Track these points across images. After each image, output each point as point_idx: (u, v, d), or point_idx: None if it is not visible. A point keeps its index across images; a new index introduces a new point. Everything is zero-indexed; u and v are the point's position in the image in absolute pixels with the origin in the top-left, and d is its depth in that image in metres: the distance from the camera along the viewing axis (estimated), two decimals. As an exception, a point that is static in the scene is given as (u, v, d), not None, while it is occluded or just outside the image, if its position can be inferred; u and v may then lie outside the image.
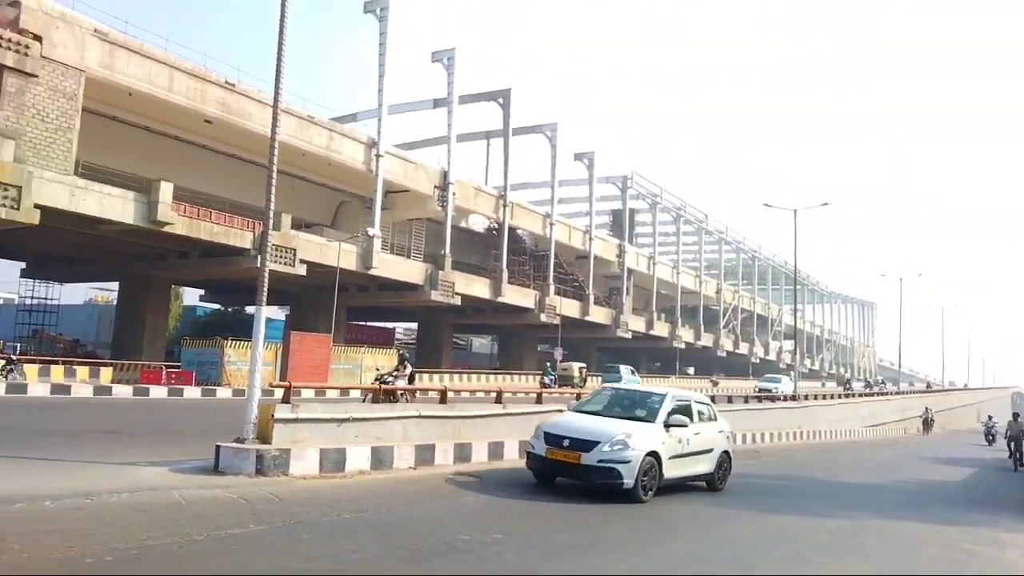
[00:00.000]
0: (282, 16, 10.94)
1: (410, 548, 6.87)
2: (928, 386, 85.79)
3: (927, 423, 44.36)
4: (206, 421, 15.26)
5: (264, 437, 9.93)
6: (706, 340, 73.78)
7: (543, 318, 51.03)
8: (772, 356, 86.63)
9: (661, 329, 67.00)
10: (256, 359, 10.43)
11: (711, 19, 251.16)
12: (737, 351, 79.37)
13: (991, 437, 37.16)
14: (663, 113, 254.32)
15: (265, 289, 10.58)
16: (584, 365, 47.77)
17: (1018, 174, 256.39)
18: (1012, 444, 24.21)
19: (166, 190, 30.20)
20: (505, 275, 47.52)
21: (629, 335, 61.33)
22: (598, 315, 58.20)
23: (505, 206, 47.53)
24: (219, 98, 31.83)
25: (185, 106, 30.92)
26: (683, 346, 69.18)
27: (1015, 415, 24.57)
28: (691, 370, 76.51)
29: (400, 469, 11.06)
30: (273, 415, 9.88)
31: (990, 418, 40.53)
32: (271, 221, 11.00)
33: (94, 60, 28.04)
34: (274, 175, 11.02)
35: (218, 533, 6.66)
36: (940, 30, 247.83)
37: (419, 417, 11.79)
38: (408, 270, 41.86)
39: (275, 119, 11.16)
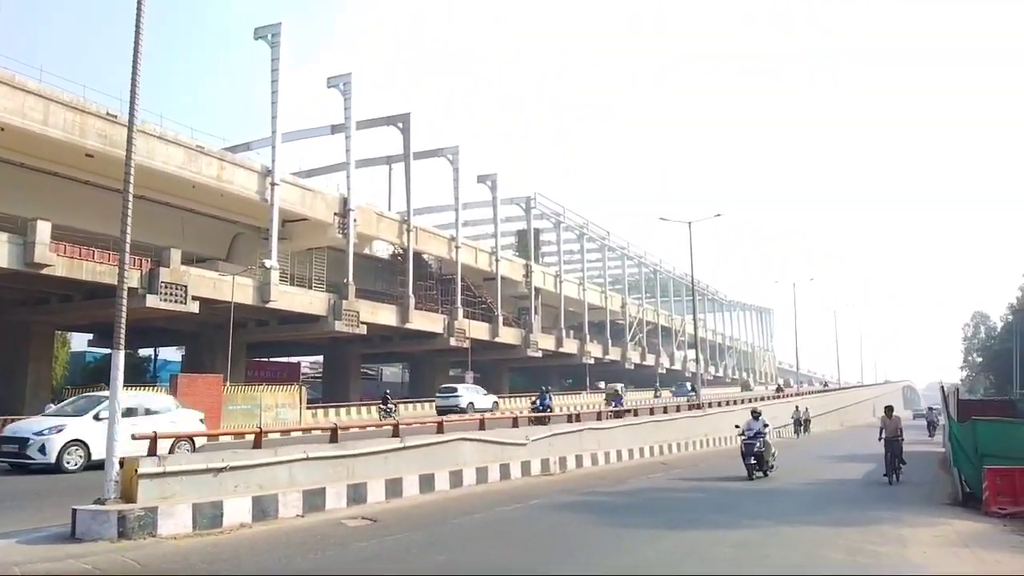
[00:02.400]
0: (137, 33, 10.15)
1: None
2: (825, 385, 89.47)
3: (800, 424, 38.16)
4: (79, 479, 13.99)
5: (129, 496, 9.03)
6: (614, 354, 74.82)
7: (453, 342, 50.45)
8: (678, 366, 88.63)
9: (570, 346, 67.46)
10: (115, 409, 9.48)
11: (604, 36, 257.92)
12: (644, 363, 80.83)
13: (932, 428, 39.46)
14: (563, 130, 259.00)
15: (123, 330, 9.67)
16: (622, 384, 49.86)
17: (901, 180, 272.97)
18: (889, 451, 17.66)
19: (44, 230, 28.43)
20: (412, 301, 46.76)
21: (539, 354, 61.42)
22: (508, 336, 58.04)
23: (409, 231, 46.85)
24: (100, 130, 30.18)
25: (63, 140, 29.21)
26: (592, 361, 69.85)
27: (888, 409, 18.83)
28: (601, 384, 77.29)
29: (286, 518, 10.29)
30: (137, 470, 9.00)
31: (930, 410, 43.14)
32: (127, 255, 10.15)
33: (-42, 94, 26.12)
34: (130, 202, 10.22)
35: (58, 615, 5.86)
36: (819, 42, 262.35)
37: (307, 459, 11.07)
38: (309, 301, 40.57)
39: (130, 141, 10.35)
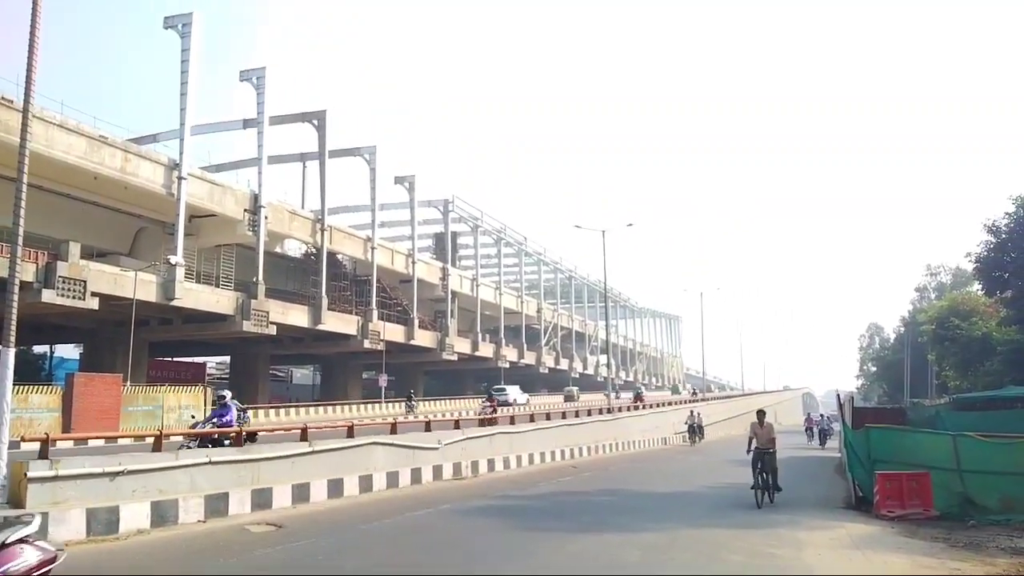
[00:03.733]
0: (33, 18, 9.65)
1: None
2: (731, 391, 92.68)
3: (694, 431, 36.19)
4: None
5: (17, 501, 8.55)
6: (529, 358, 75.46)
7: (367, 344, 49.77)
8: (590, 370, 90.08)
9: (486, 350, 67.59)
10: (3, 409, 8.97)
11: (523, 39, 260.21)
12: (558, 367, 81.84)
13: (810, 433, 40.44)
14: (484, 136, 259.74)
15: (13, 326, 9.17)
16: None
17: (803, 194, 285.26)
18: (758, 464, 14.54)
19: (-77, 218, 26.45)
20: (325, 302, 45.86)
21: (455, 357, 61.31)
22: (424, 339, 57.69)
23: (323, 230, 45.95)
24: (-8, 115, 28.41)
25: (-52, 125, 27.34)
26: (508, 365, 70.21)
27: (759, 414, 15.37)
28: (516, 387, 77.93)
29: (187, 524, 9.96)
30: (26, 474, 8.53)
31: (823, 417, 43.36)
32: (19, 247, 9.60)
33: None
34: (23, 191, 9.67)
35: (-70, 631, 5.48)
36: (730, 56, 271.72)
37: (209, 464, 10.72)
38: (216, 300, 39.26)
39: (24, 126, 9.81)
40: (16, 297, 9.45)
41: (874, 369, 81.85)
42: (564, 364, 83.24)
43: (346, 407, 46.38)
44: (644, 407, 31.96)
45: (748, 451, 14.57)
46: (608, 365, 43.36)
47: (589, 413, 28.22)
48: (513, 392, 54.54)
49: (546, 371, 78.75)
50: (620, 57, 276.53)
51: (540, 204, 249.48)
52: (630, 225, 40.90)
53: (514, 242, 75.89)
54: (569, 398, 61.18)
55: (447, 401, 56.97)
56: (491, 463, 18.59)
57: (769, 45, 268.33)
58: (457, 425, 18.48)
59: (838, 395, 28.06)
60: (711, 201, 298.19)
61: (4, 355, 9.16)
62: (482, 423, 20.63)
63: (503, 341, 70.30)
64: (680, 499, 15.85)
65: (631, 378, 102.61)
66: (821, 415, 45.85)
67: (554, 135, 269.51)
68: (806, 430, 41.60)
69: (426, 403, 52.60)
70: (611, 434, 27.94)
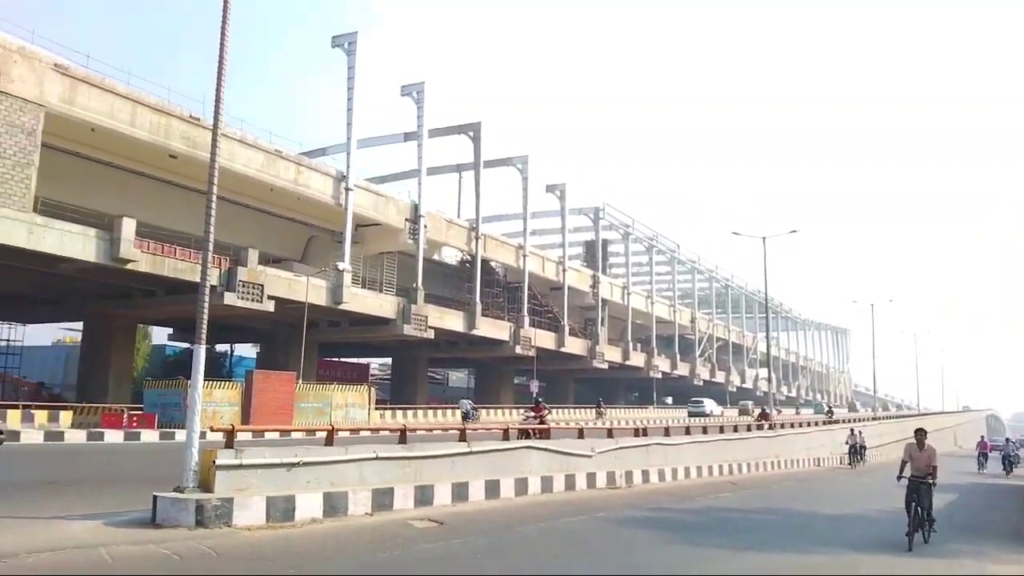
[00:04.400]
0: (222, 40, 10.47)
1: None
2: (905, 411, 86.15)
3: (856, 451, 32.66)
4: (156, 467, 14.45)
5: (206, 485, 9.28)
6: (682, 369, 73.65)
7: (518, 350, 50.49)
8: (749, 384, 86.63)
9: (637, 359, 66.70)
10: (196, 400, 9.79)
11: (680, 49, 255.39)
12: (714, 379, 79.28)
13: (983, 460, 36.59)
14: (634, 143, 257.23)
15: (204, 326, 9.98)
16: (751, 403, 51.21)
17: (989, 199, 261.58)
18: (913, 497, 11.37)
19: (128, 227, 29.50)
20: (479, 308, 47.01)
21: (605, 365, 60.93)
22: (574, 346, 57.76)
23: (477, 238, 47.18)
24: (183, 132, 31.33)
25: (149, 141, 30.37)
26: (660, 375, 68.93)
27: (918, 433, 12.40)
28: (669, 399, 76.22)
29: (356, 516, 10.42)
30: (215, 461, 9.24)
31: (1009, 442, 38.80)
32: (209, 254, 10.37)
33: (54, 95, 27.48)
34: (213, 203, 10.48)
35: (139, 598, 6.04)
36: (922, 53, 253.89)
37: (377, 459, 11.18)
38: (379, 304, 41.23)
39: (215, 143, 10.63)
40: (207, 299, 10.24)
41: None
42: (720, 377, 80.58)
43: (501, 410, 47.22)
44: (773, 426, 29.89)
45: (899, 477, 11.59)
46: (768, 379, 41.46)
47: (749, 428, 27.13)
48: (710, 405, 56.52)
49: (700, 383, 76.55)
50: (779, 53, 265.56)
51: (694, 211, 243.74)
52: (793, 231, 38.95)
53: (666, 249, 74.41)
54: (744, 412, 59.36)
55: (565, 410, 56.60)
56: (645, 474, 18.23)
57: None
58: (610, 434, 18.29)
59: None
60: (884, 205, 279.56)
61: (196, 352, 9.99)
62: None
63: (655, 351, 69.09)
64: (850, 522, 14.83)
65: (793, 393, 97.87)
66: (1007, 440, 41.19)
67: (709, 137, 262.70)
68: (979, 456, 37.20)
69: (571, 411, 52.51)
70: (772, 451, 26.68)
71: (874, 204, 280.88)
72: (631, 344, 65.85)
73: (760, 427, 29.60)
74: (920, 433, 12.32)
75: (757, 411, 48.08)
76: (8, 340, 42.79)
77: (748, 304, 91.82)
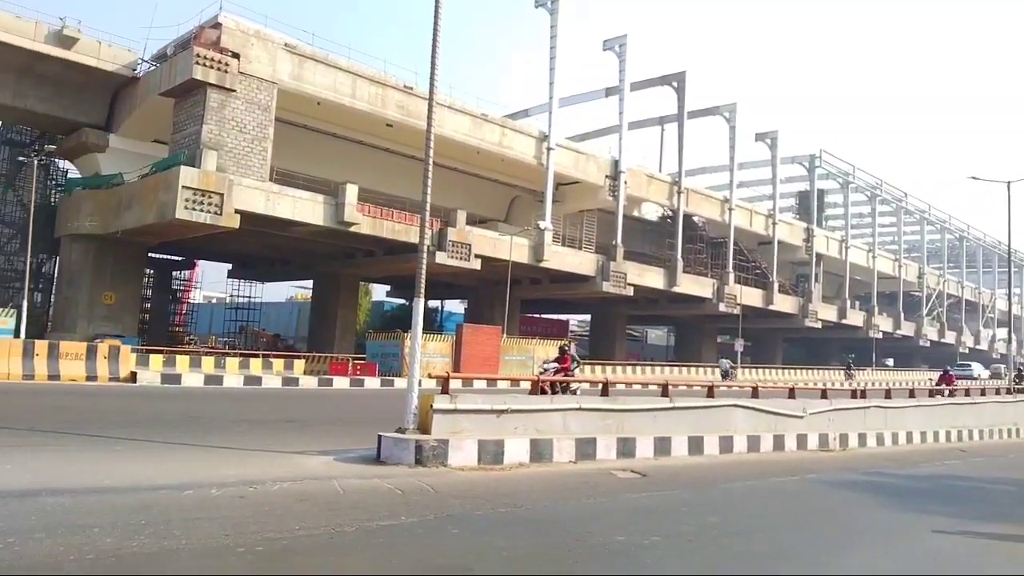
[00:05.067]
0: (436, 19, 10.92)
1: (562, 547, 6.54)
2: None
3: None
4: (379, 410, 15.77)
5: (424, 428, 10.02)
6: (906, 329, 67.95)
7: (722, 308, 49.11)
8: (983, 345, 78.28)
9: (855, 318, 62.40)
10: (416, 350, 10.56)
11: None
12: (943, 340, 72.43)
13: None
14: (852, 85, 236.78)
15: (423, 282, 10.69)
16: None
17: None
18: None
19: (351, 192, 31.90)
20: (680, 264, 46.14)
21: (819, 324, 57.66)
22: (783, 304, 55.14)
23: (679, 192, 46.11)
24: (398, 102, 33.21)
25: (367, 111, 32.54)
26: (880, 335, 64.09)
27: None
28: (890, 361, 70.78)
29: (560, 463, 10.78)
30: (432, 406, 9.93)
31: None
32: (427, 215, 11.00)
33: (285, 73, 30.12)
34: (430, 169, 11.05)
35: (369, 525, 6.67)
36: None
37: (579, 410, 11.45)
38: (579, 262, 41.69)
39: (430, 111, 11.16)
40: (424, 258, 10.93)
41: None
42: (950, 337, 73.47)
43: (701, 369, 46.36)
44: (953, 392, 26.22)
45: None
46: (1008, 339, 37.22)
47: (982, 392, 24.60)
48: (977, 368, 57.57)
49: (927, 344, 70.34)
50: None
51: (924, 158, 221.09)
52: (1044, 174, 34.23)
53: (891, 199, 68.41)
54: (996, 376, 55.20)
55: (810, 371, 53.88)
56: (862, 438, 17.17)
57: None
58: (824, 395, 17.36)
59: None
60: None
61: (416, 305, 10.73)
62: (537, 388, 13.00)
63: (875, 309, 64.22)
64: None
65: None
66: None
67: (944, 76, 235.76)
68: None
69: (781, 371, 50.37)
70: (1011, 418, 24.05)
71: None
72: (848, 301, 61.66)
73: (999, 391, 26.69)
74: None
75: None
76: (250, 297, 48.30)
77: (987, 257, 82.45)
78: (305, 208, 31.07)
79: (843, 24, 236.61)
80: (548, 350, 35.54)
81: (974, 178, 33.21)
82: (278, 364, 28.89)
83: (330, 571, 5.55)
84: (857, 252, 63.64)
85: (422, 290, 10.67)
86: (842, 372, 50.10)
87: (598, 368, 39.68)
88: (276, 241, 36.60)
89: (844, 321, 61.27)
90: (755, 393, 15.51)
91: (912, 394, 21.40)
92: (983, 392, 25.46)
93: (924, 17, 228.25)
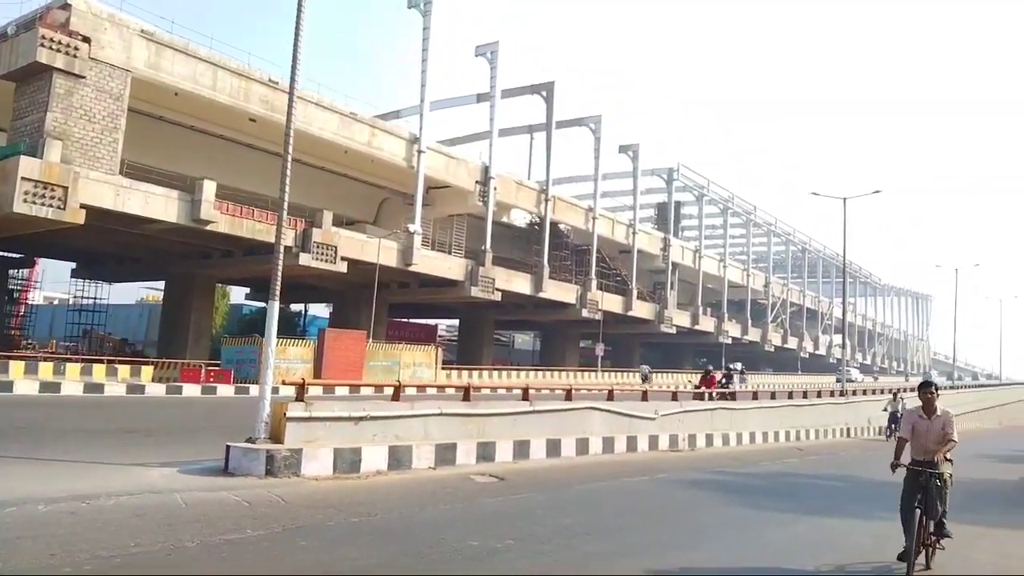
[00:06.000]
0: (299, 6, 10.63)
1: (413, 555, 6.51)
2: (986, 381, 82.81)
3: (896, 421, 24.60)
4: (230, 420, 15.11)
5: (276, 437, 9.70)
6: (753, 335, 72.36)
7: (585, 313, 50.44)
8: (822, 351, 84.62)
9: (707, 324, 65.78)
10: (269, 355, 10.21)
11: (755, 5, 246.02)
12: (786, 345, 77.68)
13: None
14: (709, 102, 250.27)
15: (279, 283, 10.34)
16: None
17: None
18: (916, 496, 7.06)
19: (209, 188, 30.43)
20: (546, 270, 47.05)
21: (673, 330, 60.35)
22: (642, 310, 57.34)
23: (547, 200, 47.03)
24: (262, 96, 32.00)
25: (229, 105, 31.15)
26: (729, 341, 67.83)
27: (925, 388, 7.57)
28: (738, 365, 75.17)
29: (419, 469, 10.74)
30: (286, 414, 9.63)
31: None
32: (284, 213, 10.71)
33: (141, 60, 28.37)
34: (288, 165, 10.76)
35: (212, 539, 6.39)
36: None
37: (441, 415, 11.46)
38: (448, 266, 41.69)
39: (291, 102, 10.85)
40: (281, 259, 10.59)
41: None
42: (792, 343, 78.89)
43: (565, 373, 47.44)
44: (879, 392, 29.02)
45: (895, 466, 7.23)
46: (843, 345, 40.23)
47: (819, 395, 26.59)
48: (855, 373, 65.75)
49: (771, 349, 75.18)
50: (861, 13, 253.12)
51: (771, 173, 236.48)
52: (876, 192, 37.22)
53: (742, 212, 72.72)
54: (645, 379, 52.81)
55: (665, 375, 56.36)
56: (709, 438, 18.15)
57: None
58: (675, 397, 18.26)
59: None
60: (973, 167, 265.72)
61: (270, 308, 10.37)
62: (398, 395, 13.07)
63: (725, 316, 67.98)
64: (922, 492, 14.44)
65: (867, 361, 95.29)
66: None
67: (789, 99, 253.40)
68: None
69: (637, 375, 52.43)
70: (842, 418, 26.13)
71: (963, 165, 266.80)
72: (701, 308, 64.93)
73: (833, 393, 28.94)
74: (927, 391, 7.41)
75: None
76: (95, 298, 45.05)
77: (826, 268, 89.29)
78: (158, 204, 29.35)
79: (711, 41, 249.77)
80: (415, 355, 35.37)
81: (815, 194, 35.88)
82: (124, 371, 27.12)
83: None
84: (710, 261, 67.16)
85: (277, 292, 10.32)
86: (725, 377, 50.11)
87: (464, 373, 39.81)
88: (126, 239, 34.36)
89: (697, 327, 64.43)
90: (611, 396, 16.05)
91: (755, 396, 22.81)
92: (819, 394, 27.48)
93: (779, 39, 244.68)
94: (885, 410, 26.78)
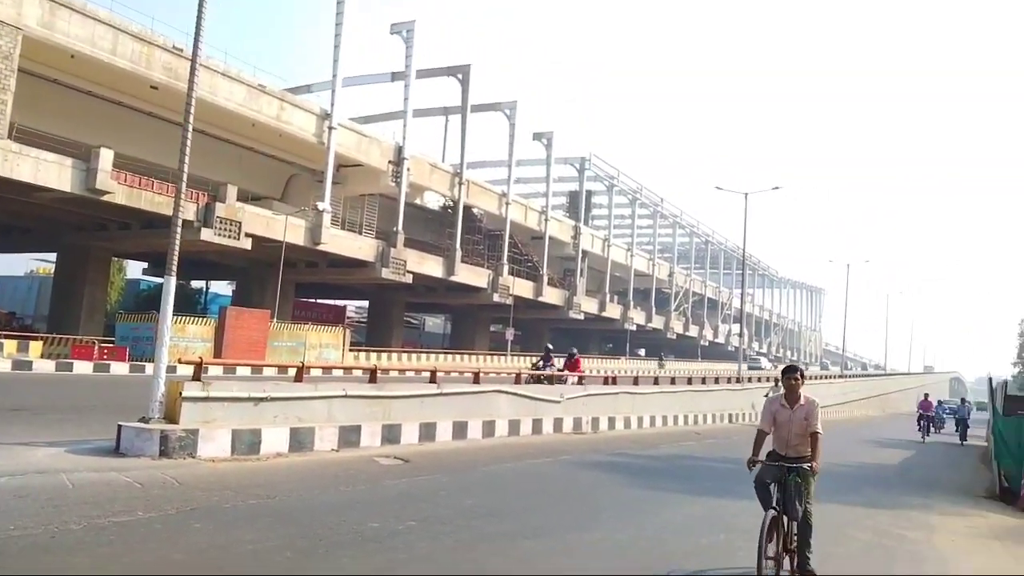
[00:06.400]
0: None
1: (312, 537, 6.41)
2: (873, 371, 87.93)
3: None
4: (124, 398, 14.49)
5: (172, 417, 9.35)
6: (657, 322, 74.40)
7: (496, 298, 50.68)
8: (721, 339, 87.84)
9: (613, 311, 67.18)
10: (164, 332, 9.82)
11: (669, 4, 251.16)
12: (687, 333, 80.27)
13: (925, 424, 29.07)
14: (623, 92, 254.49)
15: (175, 258, 9.96)
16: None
17: (970, 164, 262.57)
18: (773, 495, 8.07)
19: (106, 157, 29.05)
20: (459, 254, 46.97)
21: (582, 316, 61.39)
22: (551, 296, 58.05)
23: (461, 184, 46.85)
24: (166, 63, 30.63)
25: (130, 71, 29.72)
26: (634, 328, 69.57)
27: (788, 374, 6.47)
28: (642, 351, 77.20)
29: (322, 451, 10.58)
30: (181, 393, 9.30)
31: (965, 403, 32.14)
32: (183, 185, 10.32)
33: (32, 18, 26.72)
34: (189, 134, 10.37)
35: (100, 522, 6.13)
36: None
37: (345, 396, 11.30)
38: (359, 246, 41.04)
39: (193, 72, 10.45)
40: (179, 233, 10.20)
41: (1035, 357, 75.29)
42: (693, 331, 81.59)
43: (475, 356, 47.58)
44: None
45: (752, 463, 6.37)
46: (740, 335, 41.91)
47: (717, 380, 27.60)
48: (764, 362, 70.63)
49: (674, 336, 77.51)
50: (778, 11, 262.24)
51: (679, 166, 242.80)
52: (776, 188, 38.81)
53: (650, 203, 74.50)
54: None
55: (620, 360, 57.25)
56: (612, 421, 18.60)
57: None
58: (580, 381, 18.58)
59: (990, 380, 25.97)
60: (866, 167, 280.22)
61: (166, 283, 9.97)
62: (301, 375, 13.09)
63: (631, 303, 69.63)
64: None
65: (764, 350, 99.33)
66: (962, 400, 33.93)
67: (699, 94, 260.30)
68: (919, 419, 29.25)
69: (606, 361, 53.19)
70: (739, 404, 27.23)
71: (859, 167, 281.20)
72: (608, 296, 66.25)
73: (730, 380, 30.11)
74: (792, 376, 6.40)
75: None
76: (-21, 269, 42.31)
77: (727, 260, 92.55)
78: (50, 172, 27.75)
79: (629, 29, 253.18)
80: (322, 336, 34.73)
81: (719, 188, 37.18)
82: (10, 346, 25.59)
83: (45, 572, 5.01)
84: (618, 250, 68.55)
85: (174, 267, 9.94)
86: (655, 362, 55.62)
87: (372, 355, 39.37)
88: (14, 207, 32.35)
89: (604, 314, 65.74)
90: (518, 379, 16.22)
91: (657, 381, 23.50)
92: (716, 380, 28.53)
93: (687, 37, 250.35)
94: (767, 395, 27.57)
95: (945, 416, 34.75)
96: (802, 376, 6.46)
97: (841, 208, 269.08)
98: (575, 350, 21.00)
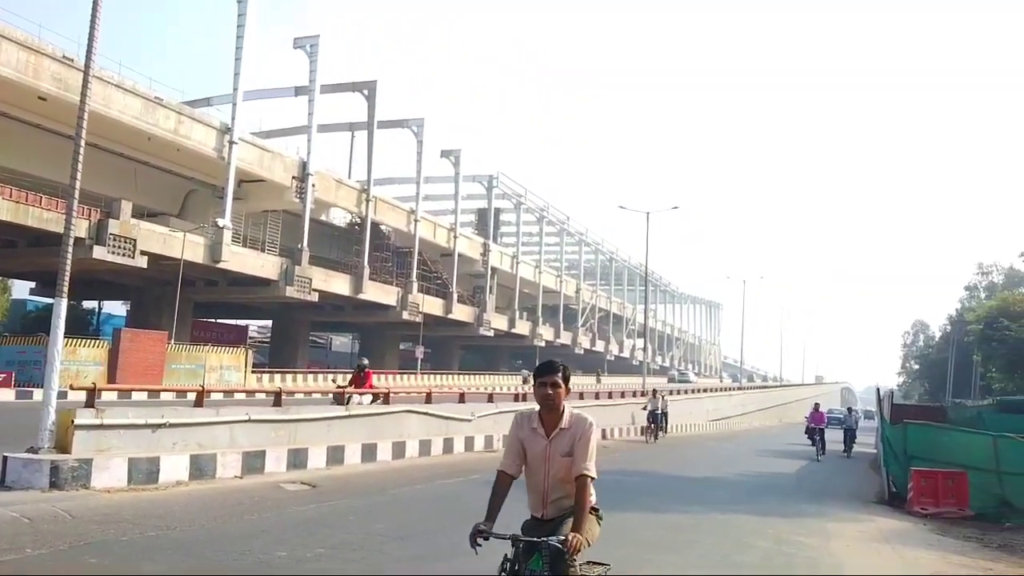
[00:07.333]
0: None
1: (215, 569, 6.21)
2: (769, 382, 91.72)
3: (657, 419, 25.87)
4: (9, 427, 13.62)
5: (63, 446, 8.87)
6: (565, 338, 75.47)
7: (406, 316, 50.27)
8: (626, 353, 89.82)
9: (523, 327, 67.75)
10: (54, 357, 9.31)
11: (575, 22, 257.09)
12: (594, 348, 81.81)
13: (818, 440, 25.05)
14: (530, 114, 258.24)
15: (66, 278, 9.48)
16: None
17: (855, 187, 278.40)
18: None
19: (-13, 172, 27.41)
20: (367, 271, 46.40)
21: (492, 333, 61.63)
22: (461, 313, 58.04)
23: (368, 200, 46.36)
24: (55, 73, 29.22)
25: (15, 80, 28.22)
26: (543, 344, 70.32)
27: (544, 369, 3.87)
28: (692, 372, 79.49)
29: (224, 479, 10.24)
30: (73, 421, 8.84)
31: (851, 412, 30.48)
32: (75, 201, 9.86)
33: (-101, 21, 24.96)
34: (81, 149, 9.91)
35: (-19, 561, 5.77)
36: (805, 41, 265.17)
37: (249, 421, 10.99)
38: (261, 264, 39.96)
39: (85, 82, 10.02)
40: (70, 251, 9.75)
41: (917, 367, 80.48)
42: (600, 346, 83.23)
43: (383, 376, 46.95)
44: (676, 393, 31.52)
45: (477, 536, 3.83)
46: (644, 349, 43.00)
47: (623, 395, 28.16)
48: (691, 375, 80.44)
49: (581, 352, 78.74)
50: (676, 32, 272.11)
51: (584, 185, 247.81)
52: (675, 208, 40.35)
53: (556, 221, 75.76)
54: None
55: (482, 376, 57.32)
56: (523, 438, 18.69)
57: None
58: (490, 399, 18.66)
59: (878, 390, 27.52)
60: (759, 189, 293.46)
61: (57, 305, 9.49)
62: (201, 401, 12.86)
63: (540, 320, 70.45)
64: (709, 484, 15.82)
65: (667, 363, 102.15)
66: (848, 409, 32.20)
67: (602, 115, 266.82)
68: (808, 432, 25.92)
69: (460, 377, 53.05)
70: (643, 417, 27.82)
71: (753, 188, 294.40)
72: (517, 312, 66.79)
73: (636, 394, 30.80)
74: (548, 379, 3.90)
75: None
76: None
77: (630, 277, 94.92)
78: (-78, 186, 26.00)
79: (524, 56, 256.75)
80: (223, 358, 33.60)
81: (622, 207, 38.48)
82: None
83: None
84: (526, 267, 69.29)
85: (65, 288, 9.46)
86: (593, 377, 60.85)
87: (276, 376, 38.32)
88: None
89: (513, 330, 66.22)
90: (428, 399, 16.14)
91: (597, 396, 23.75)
92: (623, 395, 29.13)
93: (596, 57, 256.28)
94: (645, 408, 26.37)
95: (826, 427, 27.31)
96: (566, 380, 3.91)
97: (738, 226, 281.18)
98: (365, 361, 17.70)
